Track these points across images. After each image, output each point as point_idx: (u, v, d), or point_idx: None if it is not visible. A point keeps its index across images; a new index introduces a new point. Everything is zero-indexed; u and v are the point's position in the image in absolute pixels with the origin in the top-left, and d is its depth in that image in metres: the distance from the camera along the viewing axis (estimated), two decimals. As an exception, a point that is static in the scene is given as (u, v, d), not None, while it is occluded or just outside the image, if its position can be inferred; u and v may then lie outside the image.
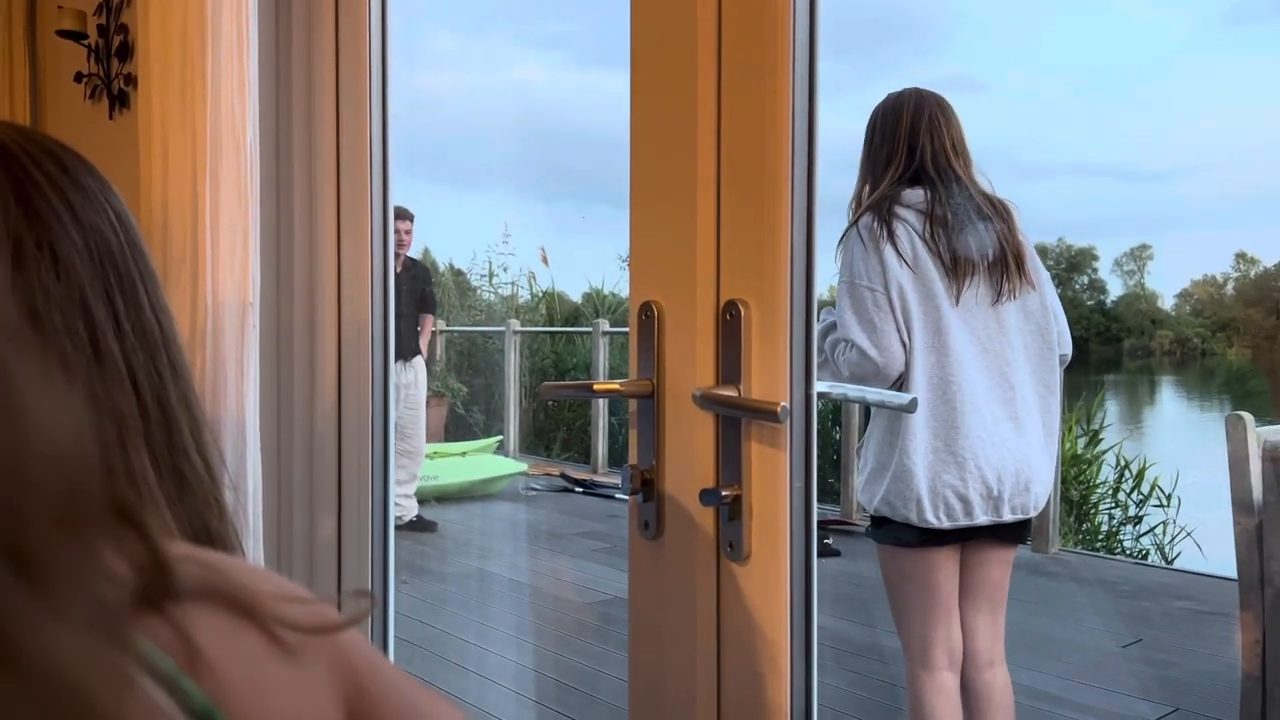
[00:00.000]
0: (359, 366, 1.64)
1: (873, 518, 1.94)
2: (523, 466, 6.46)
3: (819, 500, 1.07)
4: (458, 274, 10.43)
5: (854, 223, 1.94)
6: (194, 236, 1.45)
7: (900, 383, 1.87)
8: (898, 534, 1.92)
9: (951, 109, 2.01)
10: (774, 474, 1.03)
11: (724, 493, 1.03)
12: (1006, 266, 1.90)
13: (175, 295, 1.46)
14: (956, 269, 1.88)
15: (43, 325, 0.47)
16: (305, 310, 1.67)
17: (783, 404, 0.97)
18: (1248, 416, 2.33)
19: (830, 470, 5.73)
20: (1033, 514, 1.94)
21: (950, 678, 1.98)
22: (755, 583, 1.05)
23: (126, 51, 1.85)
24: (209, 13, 1.43)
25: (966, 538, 1.94)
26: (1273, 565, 1.96)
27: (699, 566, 1.08)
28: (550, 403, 8.00)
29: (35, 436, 0.25)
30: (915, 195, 1.91)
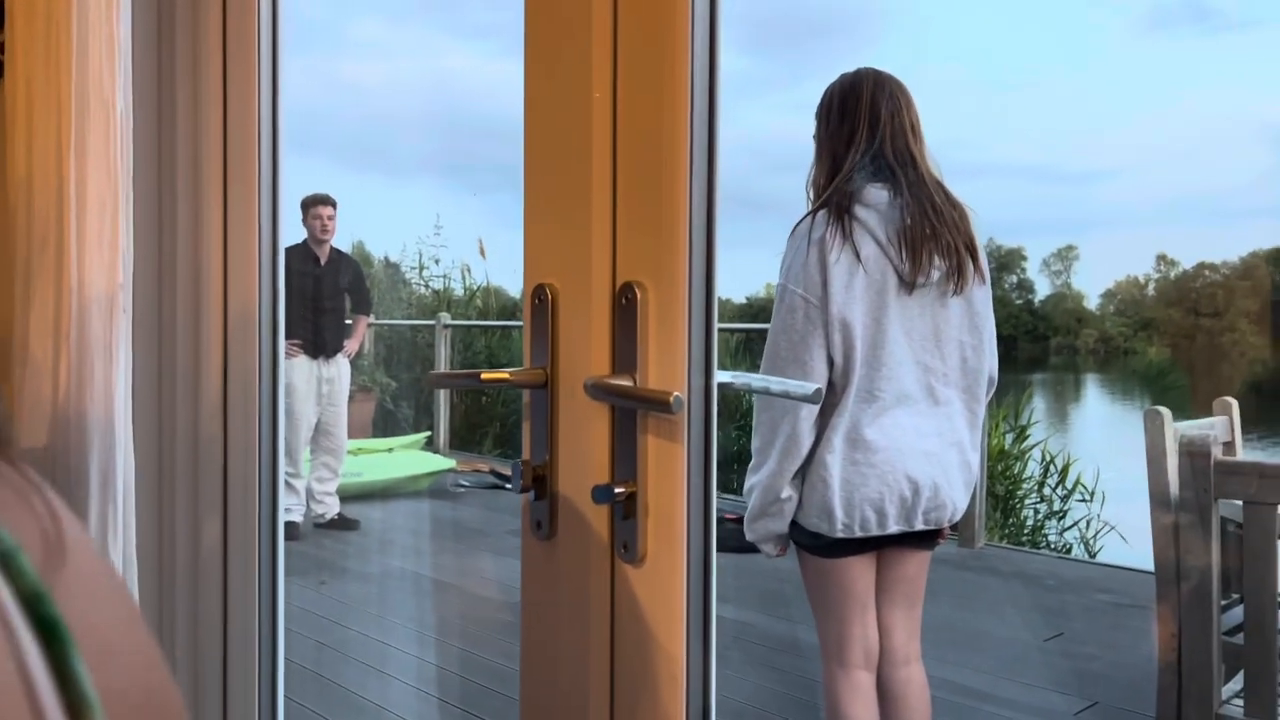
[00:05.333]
0: (246, 358, 1.54)
1: (791, 521, 1.89)
2: (451, 463, 6.33)
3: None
4: (391, 267, 10.22)
5: (812, 213, 1.86)
6: (59, 212, 1.33)
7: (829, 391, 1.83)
8: (811, 539, 1.88)
9: (908, 90, 1.95)
10: (671, 470, 0.96)
11: (617, 490, 0.96)
12: (961, 258, 1.85)
13: (39, 279, 1.34)
14: (913, 267, 1.81)
15: None
16: (189, 297, 1.56)
17: (677, 394, 0.90)
18: (1165, 411, 2.33)
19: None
20: (945, 525, 1.92)
21: (866, 676, 1.95)
22: (650, 586, 0.98)
23: (2, 17, 1.72)
24: (74, -31, 1.31)
25: (882, 543, 1.90)
26: (1189, 559, 1.96)
27: (592, 569, 1.01)
28: (483, 398, 7.87)
29: None
30: (878, 194, 1.84)
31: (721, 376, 1.03)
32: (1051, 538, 6.43)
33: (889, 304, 1.82)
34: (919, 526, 1.87)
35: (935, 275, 1.84)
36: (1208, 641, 1.96)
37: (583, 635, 1.02)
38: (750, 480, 1.94)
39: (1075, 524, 6.48)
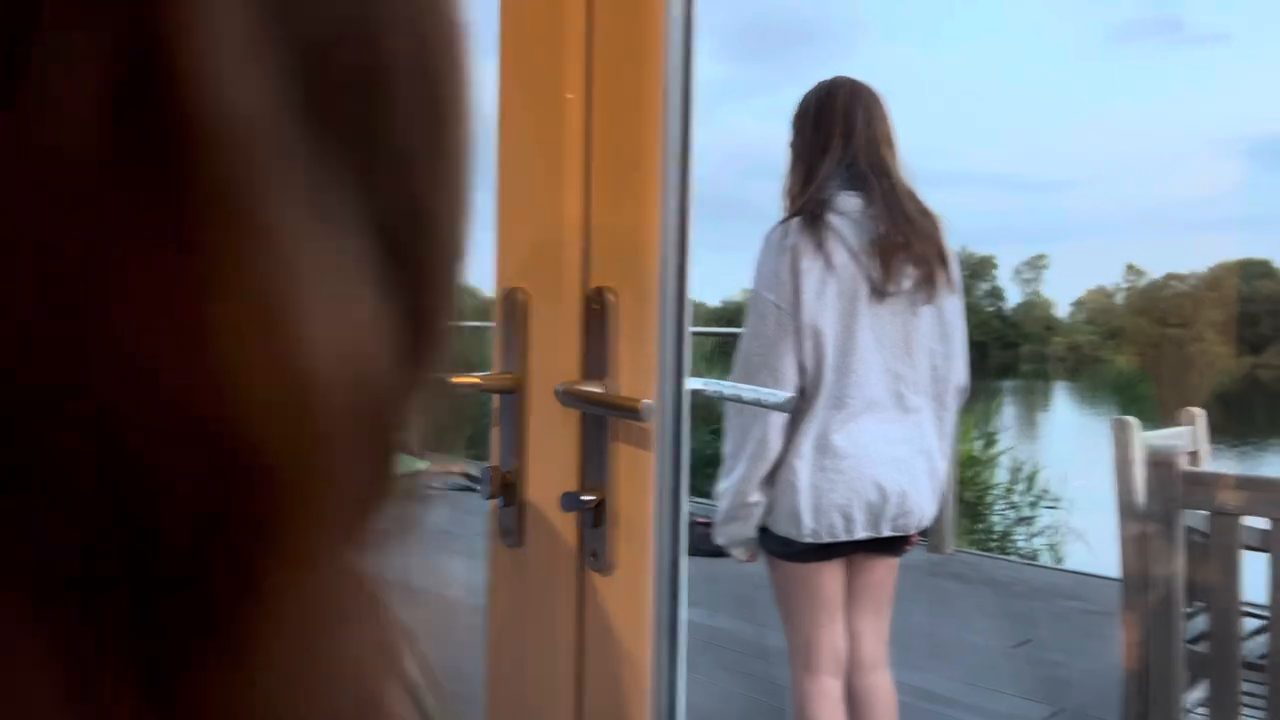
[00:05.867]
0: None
1: (760, 525, 1.89)
2: (423, 464, 6.29)
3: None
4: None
5: (786, 220, 1.87)
6: None
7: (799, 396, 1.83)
8: (780, 544, 1.88)
9: (883, 100, 1.96)
10: (640, 477, 0.95)
11: (584, 497, 0.95)
12: (932, 266, 1.85)
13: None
14: (884, 275, 1.82)
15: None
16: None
17: (646, 401, 0.89)
18: (1133, 421, 2.35)
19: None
20: (912, 532, 1.93)
21: (834, 682, 1.95)
22: (619, 595, 0.97)
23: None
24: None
25: (850, 549, 1.91)
26: (1155, 568, 1.98)
27: (560, 577, 1.00)
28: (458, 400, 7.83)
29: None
30: (851, 203, 1.84)
31: (693, 383, 1.03)
32: (1020, 543, 6.49)
33: (860, 312, 1.82)
34: (887, 533, 1.87)
35: (906, 284, 1.84)
36: (1172, 650, 1.98)
37: (550, 644, 1.00)
38: (721, 485, 1.94)
39: (1042, 530, 6.55)
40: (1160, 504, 1.96)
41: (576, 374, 0.98)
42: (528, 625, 1.03)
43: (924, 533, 2.02)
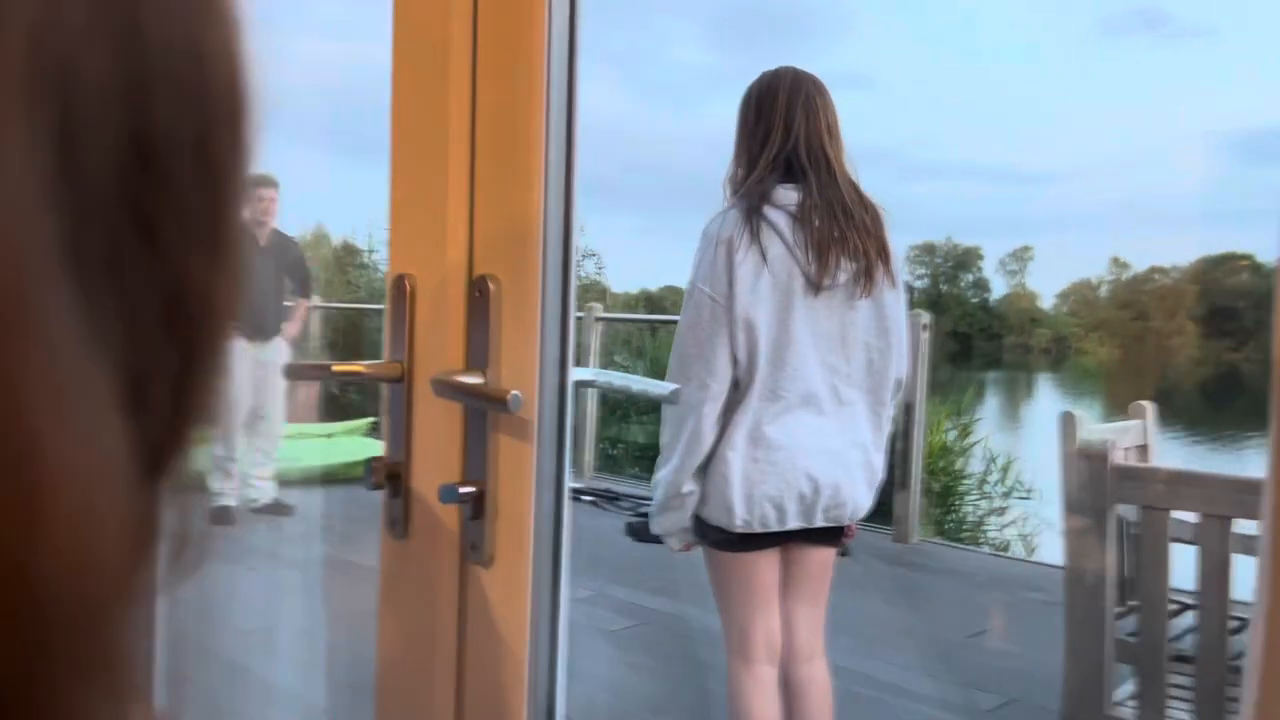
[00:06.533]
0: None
1: (694, 515, 1.88)
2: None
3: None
4: (352, 250, 10.08)
5: (724, 212, 1.86)
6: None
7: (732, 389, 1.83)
8: (714, 533, 1.88)
9: (827, 91, 1.94)
10: (520, 470, 0.94)
11: (462, 490, 0.94)
12: (870, 260, 1.84)
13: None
14: (819, 269, 1.81)
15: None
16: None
17: (515, 392, 0.88)
18: (1078, 414, 2.35)
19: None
20: (847, 523, 1.92)
21: (769, 670, 1.95)
22: (499, 588, 0.96)
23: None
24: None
25: (785, 539, 1.90)
26: (1085, 562, 1.99)
27: (443, 569, 0.99)
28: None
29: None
30: (788, 195, 1.83)
31: (582, 374, 1.01)
32: (991, 534, 6.51)
33: (795, 305, 1.81)
34: (819, 524, 1.87)
35: (842, 278, 1.83)
36: (1102, 642, 1.99)
37: (431, 636, 1.00)
38: (656, 475, 1.93)
39: (1013, 521, 6.56)
40: (1091, 497, 1.96)
41: (461, 363, 0.97)
42: (413, 616, 1.02)
43: (867, 522, 2.02)
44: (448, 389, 0.93)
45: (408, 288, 1.01)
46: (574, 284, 0.96)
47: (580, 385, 1.00)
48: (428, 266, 1.00)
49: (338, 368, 0.98)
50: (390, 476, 1.02)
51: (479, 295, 0.95)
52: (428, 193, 0.99)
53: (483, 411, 0.96)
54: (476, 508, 0.96)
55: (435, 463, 0.99)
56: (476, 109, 0.96)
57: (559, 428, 0.96)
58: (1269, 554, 0.54)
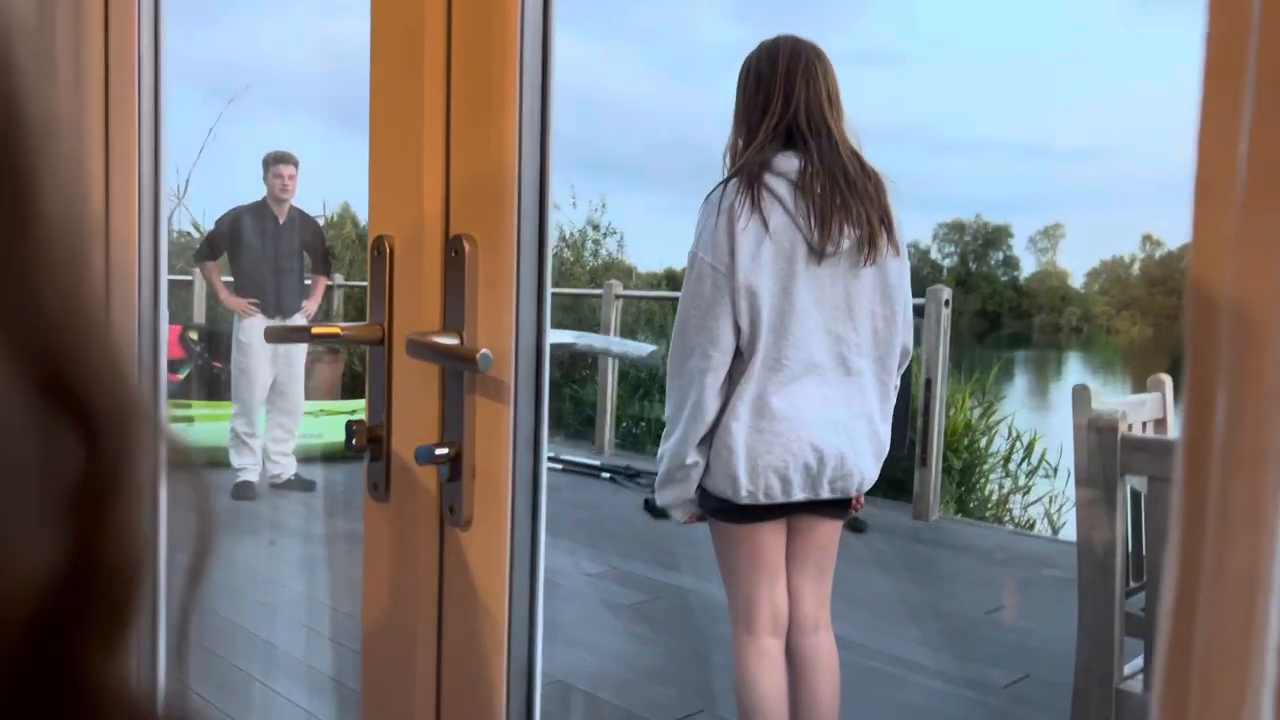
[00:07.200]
0: (125, 319, 1.50)
1: (699, 487, 1.87)
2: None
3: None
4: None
5: (724, 182, 1.84)
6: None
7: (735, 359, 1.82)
8: (719, 505, 1.87)
9: (828, 58, 1.92)
10: (496, 432, 0.94)
11: (439, 451, 0.94)
12: (873, 229, 1.82)
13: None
14: (822, 236, 1.78)
15: None
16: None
17: (484, 351, 0.87)
18: (1093, 388, 2.32)
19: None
20: (854, 495, 1.90)
21: (774, 642, 1.94)
22: (476, 549, 0.96)
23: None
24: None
25: (791, 510, 1.89)
26: (1096, 535, 1.96)
27: (422, 531, 0.98)
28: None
29: None
30: (789, 163, 1.81)
31: (562, 336, 1.01)
32: (1016, 512, 6.46)
33: (798, 273, 1.79)
34: (825, 495, 1.86)
35: (845, 245, 1.81)
36: (1110, 617, 1.96)
37: (412, 598, 1.00)
38: (661, 447, 1.92)
39: (1039, 500, 6.51)
40: (1101, 469, 1.93)
41: (437, 324, 0.97)
42: (395, 578, 1.02)
43: (869, 495, 2.00)
44: (422, 350, 0.93)
45: (387, 248, 1.00)
46: (550, 244, 0.95)
47: (560, 347, 0.99)
48: (405, 227, 0.99)
49: (318, 330, 0.98)
50: (372, 439, 1.02)
51: (455, 255, 0.95)
52: (404, 152, 0.98)
53: (459, 373, 0.95)
54: (454, 469, 0.95)
55: (414, 425, 0.99)
56: (452, 68, 0.95)
57: (535, 389, 0.95)
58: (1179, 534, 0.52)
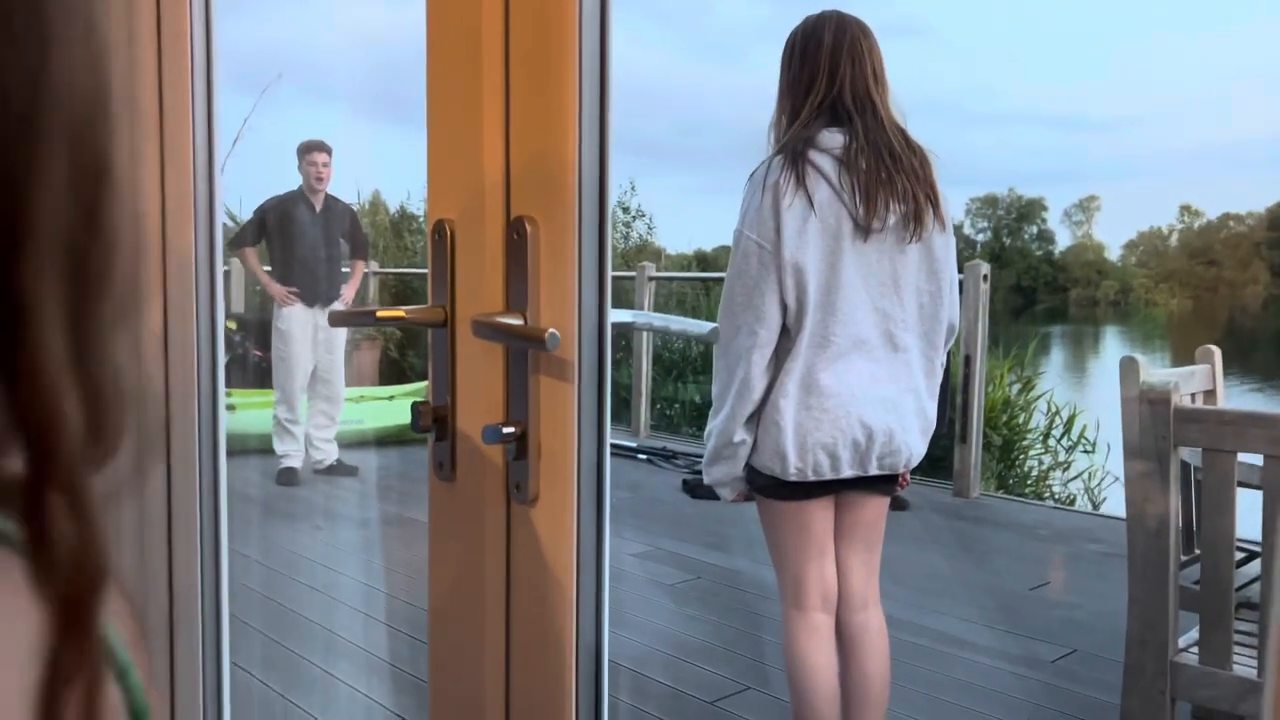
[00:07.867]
0: (184, 304, 1.52)
1: (747, 465, 1.88)
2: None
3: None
4: (408, 217, 10.20)
5: (770, 159, 1.84)
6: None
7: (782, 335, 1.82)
8: (767, 482, 1.87)
9: (873, 34, 1.90)
10: (561, 410, 0.95)
11: (505, 430, 0.95)
12: (919, 204, 1.81)
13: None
14: (868, 212, 1.78)
15: None
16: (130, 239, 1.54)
17: (553, 330, 0.88)
18: (1140, 359, 2.29)
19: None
20: (901, 471, 1.90)
21: (824, 618, 1.95)
22: (542, 525, 0.97)
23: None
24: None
25: (838, 487, 1.89)
26: (1149, 507, 1.94)
27: (488, 510, 1.00)
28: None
29: None
30: (833, 139, 1.81)
31: (621, 316, 1.02)
32: (1056, 488, 6.41)
33: (844, 249, 1.78)
34: (874, 471, 1.86)
35: (892, 221, 1.80)
36: (1165, 589, 1.95)
37: (480, 575, 1.01)
38: (709, 425, 1.93)
39: (1079, 475, 6.44)
40: (1153, 442, 1.91)
41: (500, 305, 0.98)
42: (461, 557, 1.04)
43: (927, 476, 1.99)
44: (487, 330, 0.94)
45: (448, 232, 1.02)
46: (610, 224, 0.96)
47: (619, 326, 1.00)
48: (466, 210, 1.00)
49: (382, 313, 1.00)
50: (437, 420, 1.04)
51: (516, 237, 0.96)
52: (464, 137, 0.99)
53: (524, 352, 0.96)
54: (520, 448, 0.97)
55: (479, 405, 1.00)
56: (510, 50, 0.96)
57: (599, 367, 0.96)
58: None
